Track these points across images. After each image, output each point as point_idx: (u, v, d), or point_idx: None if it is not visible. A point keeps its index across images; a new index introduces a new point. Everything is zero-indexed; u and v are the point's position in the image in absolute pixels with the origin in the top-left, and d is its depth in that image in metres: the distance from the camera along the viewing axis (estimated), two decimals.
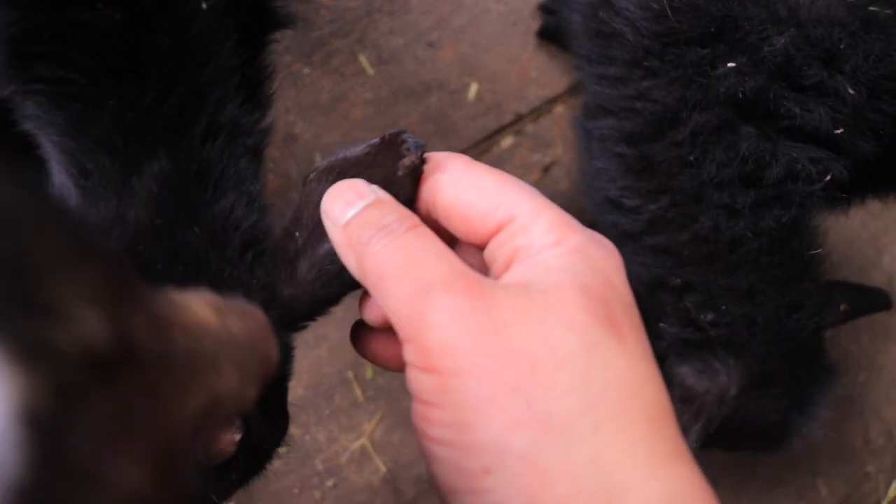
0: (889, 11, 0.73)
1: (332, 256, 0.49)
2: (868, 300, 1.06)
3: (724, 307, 0.84)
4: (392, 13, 1.26)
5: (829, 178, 0.78)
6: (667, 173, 0.82)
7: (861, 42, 0.73)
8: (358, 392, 1.15)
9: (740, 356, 0.86)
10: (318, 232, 0.51)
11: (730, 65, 0.79)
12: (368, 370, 1.17)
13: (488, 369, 0.37)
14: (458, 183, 0.45)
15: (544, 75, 1.32)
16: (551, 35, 1.31)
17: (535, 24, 1.31)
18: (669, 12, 0.81)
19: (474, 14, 1.30)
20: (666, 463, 0.38)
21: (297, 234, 0.53)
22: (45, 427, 0.22)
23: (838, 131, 0.75)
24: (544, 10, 1.32)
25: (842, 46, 0.72)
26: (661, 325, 0.88)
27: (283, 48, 1.20)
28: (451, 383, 0.38)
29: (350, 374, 1.16)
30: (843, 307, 1.01)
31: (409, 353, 0.39)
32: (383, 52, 1.25)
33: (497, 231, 0.43)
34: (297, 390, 1.13)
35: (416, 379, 0.39)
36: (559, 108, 1.31)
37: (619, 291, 0.42)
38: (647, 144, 0.83)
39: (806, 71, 0.75)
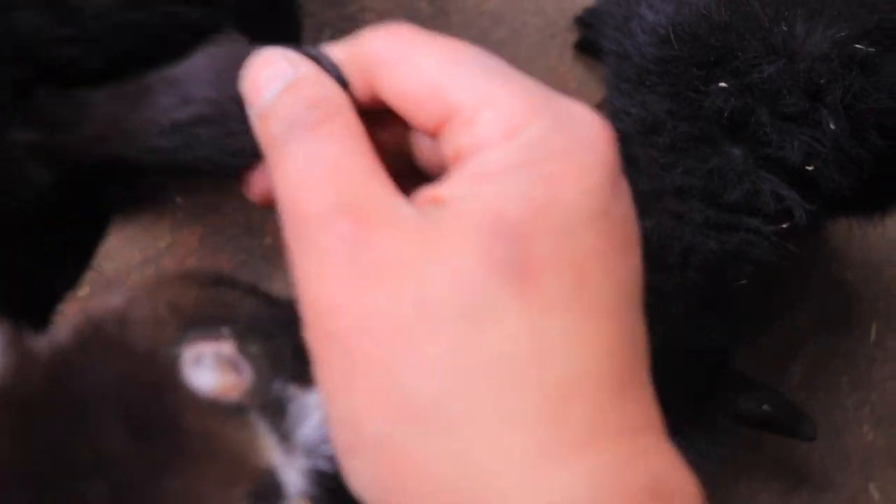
0: (872, 49, 0.81)
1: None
2: (793, 421, 1.06)
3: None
4: (434, 27, 1.38)
5: (785, 226, 0.85)
6: (640, 171, 0.92)
7: (841, 77, 0.82)
8: None
9: None
10: None
11: (721, 84, 0.88)
12: None
13: (352, 334, 0.30)
14: (395, 67, 0.35)
15: (583, 86, 1.41)
16: (588, 47, 1.41)
17: (572, 37, 1.41)
18: (673, 39, 0.91)
19: (514, 28, 1.41)
20: (564, 460, 0.29)
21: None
22: None
23: (809, 168, 0.83)
24: (581, 23, 1.42)
25: (822, 81, 0.81)
26: None
27: None
28: (319, 347, 0.31)
29: None
30: (766, 407, 1.03)
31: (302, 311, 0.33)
32: None
33: (440, 128, 0.34)
34: None
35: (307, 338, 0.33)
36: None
37: (568, 211, 0.31)
38: (632, 144, 0.94)
39: (788, 99, 0.84)
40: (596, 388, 0.30)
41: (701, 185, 0.91)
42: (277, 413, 0.45)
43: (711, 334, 0.95)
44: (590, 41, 1.41)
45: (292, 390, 0.46)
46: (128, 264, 1.20)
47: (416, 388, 0.30)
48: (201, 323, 0.48)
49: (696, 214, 0.91)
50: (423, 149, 0.39)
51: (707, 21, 0.89)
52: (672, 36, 0.91)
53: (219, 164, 0.47)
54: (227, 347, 0.46)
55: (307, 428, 0.46)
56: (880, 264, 1.52)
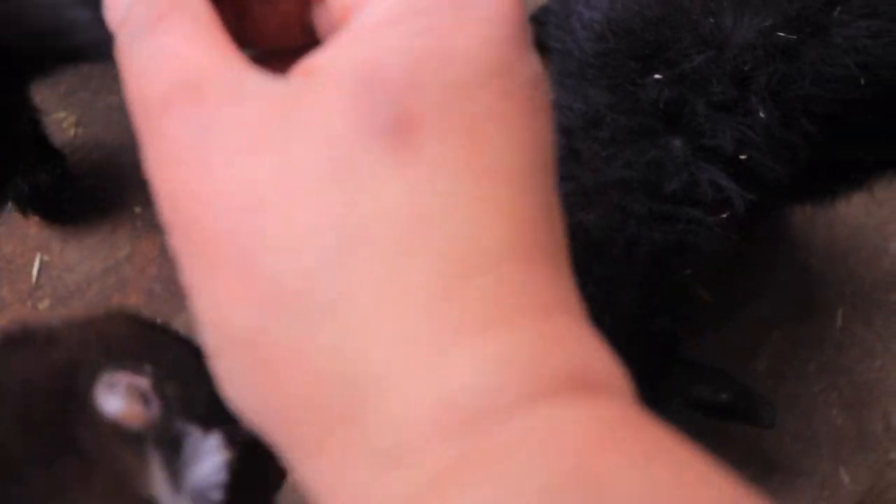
0: (794, 37, 0.83)
1: None
2: (752, 409, 1.08)
3: (590, 290, 0.94)
4: None
5: (725, 216, 0.87)
6: (582, 163, 0.94)
7: (765, 65, 0.84)
8: None
9: None
10: None
11: (656, 76, 0.90)
12: None
13: (208, 221, 0.27)
14: None
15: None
16: (544, 45, 1.43)
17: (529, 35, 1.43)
18: (609, 34, 0.93)
19: None
20: (464, 344, 0.25)
21: None
22: None
23: (742, 157, 0.85)
24: (535, 21, 1.44)
25: (746, 68, 0.83)
26: None
27: None
28: (180, 245, 0.28)
29: None
30: (724, 396, 1.06)
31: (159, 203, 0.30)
32: None
33: None
34: None
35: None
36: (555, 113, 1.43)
37: (459, 65, 0.27)
38: (575, 139, 0.96)
39: (718, 88, 0.86)
40: (497, 260, 0.26)
41: (642, 177, 0.93)
42: (173, 450, 0.48)
43: (658, 322, 0.97)
44: (544, 39, 1.42)
45: (194, 433, 0.49)
46: (88, 275, 1.21)
47: (282, 271, 0.26)
48: (127, 357, 0.51)
49: (639, 206, 0.93)
50: (322, 23, 0.33)
51: (640, 16, 0.91)
52: (608, 31, 0.93)
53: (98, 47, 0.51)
54: (143, 382, 0.49)
55: (200, 470, 0.48)
56: (845, 250, 1.54)
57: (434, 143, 0.26)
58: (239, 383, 0.28)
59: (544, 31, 1.37)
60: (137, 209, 1.19)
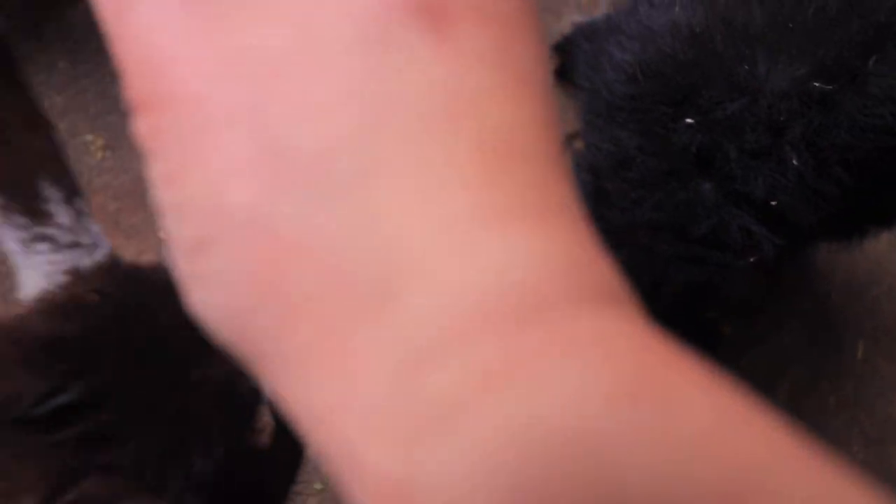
0: (829, 87, 0.84)
1: None
2: None
3: None
4: None
5: (752, 259, 0.88)
6: (611, 204, 0.95)
7: (801, 115, 0.85)
8: None
9: None
10: None
11: (687, 120, 0.91)
12: None
13: (203, 85, 0.24)
14: None
15: (563, 113, 1.44)
16: (566, 74, 1.44)
17: (551, 64, 1.44)
18: (640, 77, 0.94)
19: None
20: (504, 227, 0.23)
21: None
22: None
23: (773, 203, 0.86)
24: (558, 50, 1.45)
25: (781, 118, 0.84)
26: None
27: None
28: (165, 119, 0.25)
29: None
30: None
31: (127, 89, 0.26)
32: None
33: None
34: None
35: (136, 128, 0.26)
36: (578, 144, 1.44)
37: None
38: (603, 178, 0.97)
39: (752, 136, 0.87)
40: (534, 153, 0.25)
41: (671, 219, 0.94)
42: None
43: None
44: (567, 68, 1.44)
45: None
46: None
47: (301, 139, 0.23)
48: None
49: (667, 248, 0.94)
50: None
51: (672, 59, 0.92)
52: (639, 73, 0.94)
53: None
54: None
55: None
56: (866, 283, 1.55)
57: (471, 38, 0.24)
58: (227, 281, 0.24)
59: (569, 63, 1.39)
60: (163, 234, 1.20)
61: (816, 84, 0.85)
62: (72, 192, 0.74)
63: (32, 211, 0.72)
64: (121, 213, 1.33)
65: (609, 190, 0.97)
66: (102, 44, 0.25)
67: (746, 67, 0.88)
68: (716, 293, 0.94)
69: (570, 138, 1.44)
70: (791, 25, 0.88)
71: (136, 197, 1.34)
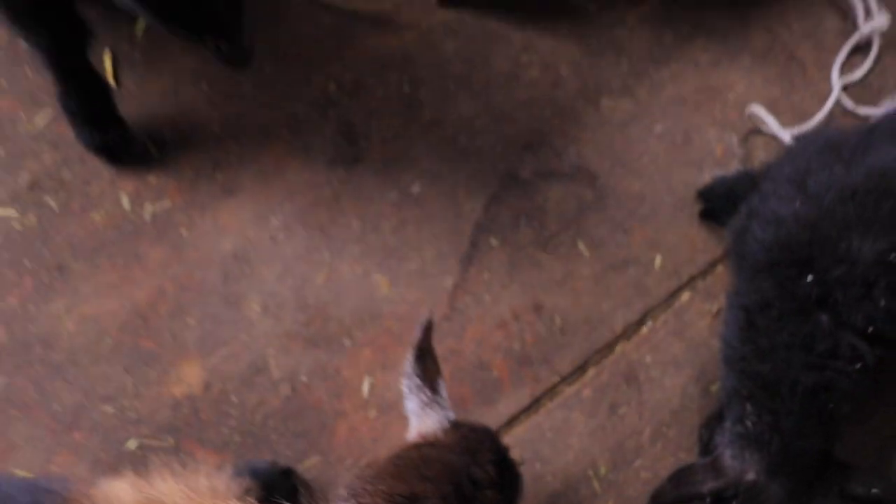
0: None
1: None
2: None
3: (764, 419, 1.47)
4: (598, 209, 1.99)
5: (859, 365, 1.41)
6: (759, 332, 1.48)
7: (884, 274, 1.38)
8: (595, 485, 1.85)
9: (763, 457, 1.48)
10: None
11: (808, 278, 1.45)
12: (602, 468, 1.85)
13: None
14: None
15: (708, 244, 1.99)
16: (709, 215, 1.99)
17: (697, 208, 1.99)
18: (776, 249, 1.49)
19: (653, 205, 2.00)
20: None
21: None
22: None
23: (870, 329, 1.39)
24: (702, 197, 2.00)
25: (871, 278, 1.38)
26: (725, 421, 1.54)
27: (526, 240, 1.94)
28: None
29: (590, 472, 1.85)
30: (876, 490, 1.51)
31: None
32: (594, 239, 1.97)
33: None
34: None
35: None
36: (720, 269, 1.98)
37: None
38: (752, 314, 1.50)
39: (853, 287, 1.40)
40: None
41: (800, 341, 1.47)
42: None
43: (815, 440, 1.49)
44: (710, 211, 1.99)
45: None
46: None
47: None
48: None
49: (798, 360, 1.47)
50: None
51: (796, 239, 1.47)
52: (774, 248, 1.49)
53: None
54: None
55: None
56: None
57: None
58: None
59: (711, 207, 1.94)
60: None
61: (893, 255, 1.39)
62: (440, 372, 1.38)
63: (434, 388, 1.35)
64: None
65: (757, 322, 1.51)
66: None
67: (845, 245, 1.42)
68: (836, 390, 1.46)
69: (713, 265, 1.98)
70: (874, 217, 1.42)
71: None
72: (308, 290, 1.83)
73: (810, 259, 1.46)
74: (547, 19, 2.15)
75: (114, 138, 1.82)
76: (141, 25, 1.97)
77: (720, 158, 2.09)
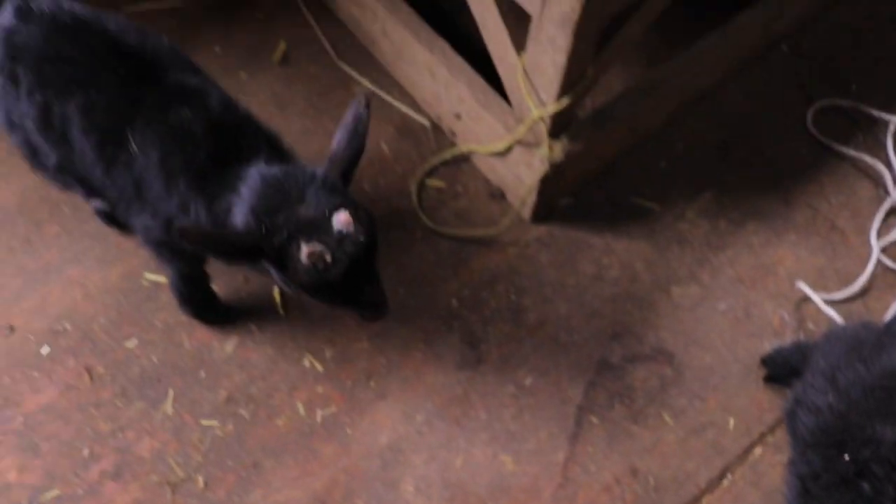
0: None
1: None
2: None
3: None
4: (677, 383, 2.46)
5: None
6: (813, 498, 1.92)
7: None
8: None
9: None
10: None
11: (846, 457, 1.89)
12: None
13: None
14: None
15: (774, 404, 2.45)
16: (773, 379, 2.45)
17: (761, 374, 2.46)
18: (821, 439, 1.95)
19: (722, 374, 2.47)
20: None
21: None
22: None
23: None
24: (765, 364, 2.46)
25: (893, 460, 1.82)
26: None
27: (620, 416, 2.42)
28: None
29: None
30: None
31: None
32: (676, 409, 2.44)
33: None
34: None
35: None
36: (771, 438, 2.43)
37: None
38: (806, 482, 1.95)
39: (882, 465, 1.84)
40: None
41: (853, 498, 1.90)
42: None
43: None
44: (773, 376, 2.44)
45: None
46: None
47: None
48: None
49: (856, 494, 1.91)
50: None
51: (831, 425, 1.92)
52: (816, 431, 1.94)
53: None
54: None
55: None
56: None
57: None
58: None
59: (772, 373, 2.39)
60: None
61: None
62: None
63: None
64: None
65: (811, 490, 1.96)
66: None
67: (870, 431, 1.87)
68: None
69: (779, 421, 2.43)
70: (891, 408, 1.87)
71: None
72: (450, 472, 2.34)
73: (844, 442, 1.91)
74: (620, 223, 2.68)
75: (210, 315, 2.51)
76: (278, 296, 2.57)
77: (777, 328, 2.55)
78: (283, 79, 2.90)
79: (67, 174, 2.15)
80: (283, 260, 1.76)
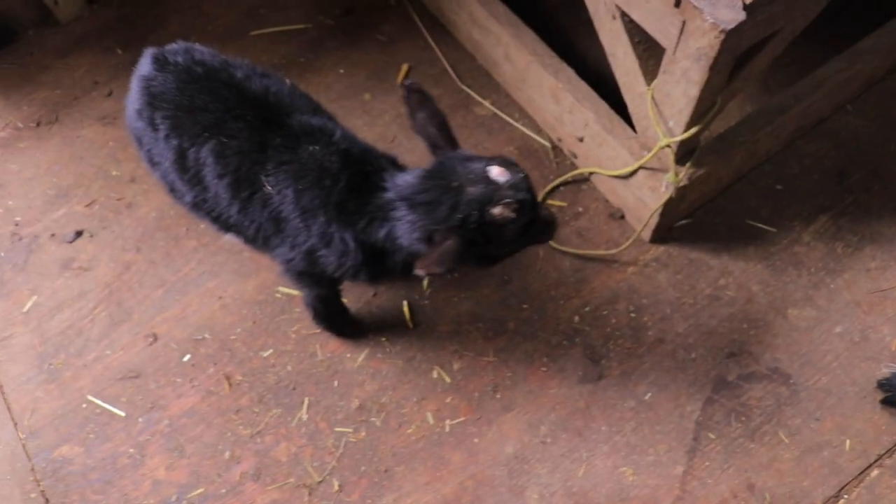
0: None
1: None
2: None
3: None
4: (793, 403, 2.59)
5: None
6: None
7: None
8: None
9: None
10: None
11: None
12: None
13: None
14: None
15: (891, 427, 2.55)
16: (890, 402, 2.55)
17: (878, 397, 2.57)
18: None
19: (840, 396, 2.59)
20: None
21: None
22: None
23: None
24: (882, 387, 2.57)
25: None
26: None
27: (737, 433, 2.56)
28: None
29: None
30: None
31: None
32: (792, 428, 2.56)
33: None
34: None
35: None
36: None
37: None
38: None
39: None
40: None
41: None
42: None
43: None
44: (890, 399, 2.55)
45: None
46: None
47: None
48: None
49: None
50: None
51: None
52: None
53: None
54: None
55: None
56: None
57: None
58: None
59: (891, 395, 2.50)
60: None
61: None
62: None
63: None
64: None
65: None
66: None
67: None
68: None
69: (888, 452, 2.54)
70: None
71: None
72: (572, 481, 2.51)
73: None
74: (737, 245, 2.82)
75: (342, 328, 2.71)
76: (426, 282, 2.76)
77: (894, 353, 2.66)
78: None
79: (201, 211, 2.34)
80: (487, 234, 1.95)
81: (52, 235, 2.97)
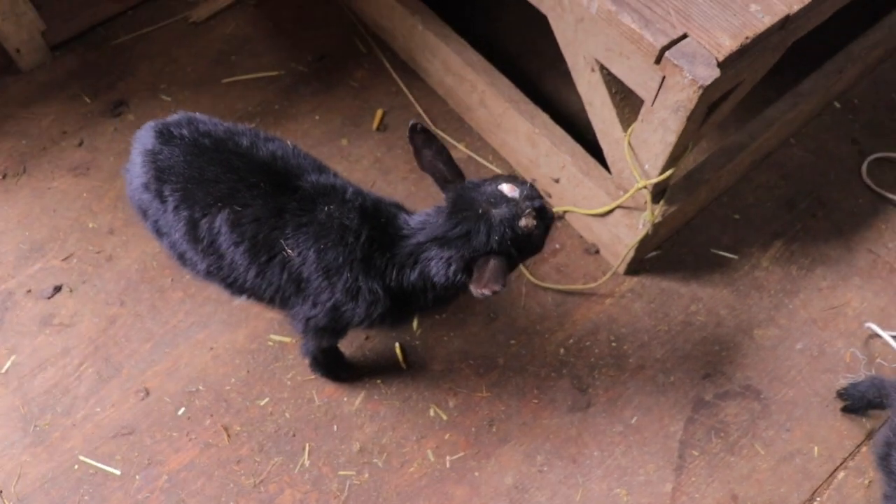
0: None
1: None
2: None
3: None
4: (765, 416, 2.89)
5: None
6: None
7: None
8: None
9: None
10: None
11: None
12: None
13: None
14: None
15: (852, 432, 2.89)
16: (849, 410, 2.89)
17: (839, 405, 2.90)
18: None
19: (806, 407, 2.91)
20: None
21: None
22: None
23: None
24: (841, 397, 2.91)
25: None
26: None
27: (717, 448, 2.85)
28: None
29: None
30: None
31: None
32: (766, 439, 2.87)
33: None
34: None
35: None
36: (864, 449, 2.87)
37: None
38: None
39: None
40: None
41: None
42: None
43: None
44: (849, 407, 2.89)
45: None
46: None
47: None
48: None
49: None
50: None
51: None
52: None
53: None
54: None
55: None
56: None
57: None
58: None
59: (851, 402, 2.84)
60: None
61: None
62: None
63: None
64: None
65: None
66: None
67: None
68: None
69: (858, 447, 2.87)
70: None
71: None
72: None
73: None
74: (703, 273, 3.13)
75: (339, 373, 2.89)
76: (416, 323, 2.98)
77: (849, 364, 3.00)
78: (383, 145, 3.31)
79: (215, 278, 2.44)
80: (520, 247, 2.17)
81: (28, 291, 3.00)
